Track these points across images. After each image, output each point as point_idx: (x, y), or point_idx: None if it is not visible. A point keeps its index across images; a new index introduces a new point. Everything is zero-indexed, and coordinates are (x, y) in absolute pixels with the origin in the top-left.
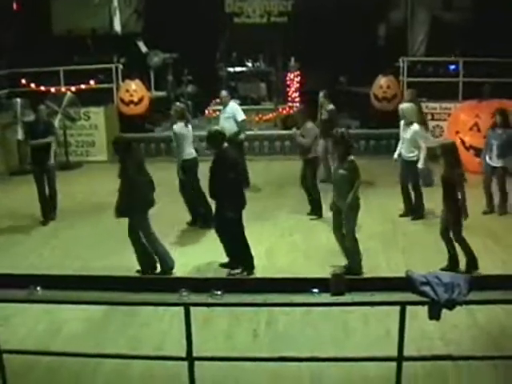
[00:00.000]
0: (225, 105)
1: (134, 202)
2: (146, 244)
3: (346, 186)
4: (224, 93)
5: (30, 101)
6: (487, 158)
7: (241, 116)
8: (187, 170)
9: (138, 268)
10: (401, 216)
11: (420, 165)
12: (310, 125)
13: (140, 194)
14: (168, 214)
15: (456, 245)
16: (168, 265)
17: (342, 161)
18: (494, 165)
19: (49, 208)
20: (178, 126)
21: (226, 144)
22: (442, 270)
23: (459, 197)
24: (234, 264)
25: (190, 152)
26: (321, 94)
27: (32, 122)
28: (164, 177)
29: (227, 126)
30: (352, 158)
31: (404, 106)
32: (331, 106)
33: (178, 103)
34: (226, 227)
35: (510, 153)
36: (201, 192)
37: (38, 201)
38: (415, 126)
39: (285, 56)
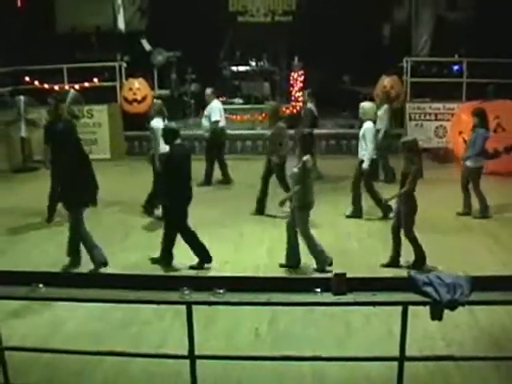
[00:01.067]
0: (208, 103)
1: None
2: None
3: (295, 185)
4: (208, 91)
5: (34, 98)
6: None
7: (214, 116)
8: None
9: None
10: (348, 217)
11: (364, 165)
12: (281, 124)
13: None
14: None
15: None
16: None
17: (298, 160)
18: (466, 165)
19: (56, 207)
20: (156, 122)
21: (178, 141)
22: (384, 266)
23: (412, 191)
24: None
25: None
26: (305, 93)
27: (51, 120)
28: None
29: (204, 124)
30: (306, 158)
31: (365, 104)
32: (309, 105)
33: (156, 100)
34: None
35: (470, 152)
36: None
37: (49, 198)
38: (368, 124)
39: (289, 55)
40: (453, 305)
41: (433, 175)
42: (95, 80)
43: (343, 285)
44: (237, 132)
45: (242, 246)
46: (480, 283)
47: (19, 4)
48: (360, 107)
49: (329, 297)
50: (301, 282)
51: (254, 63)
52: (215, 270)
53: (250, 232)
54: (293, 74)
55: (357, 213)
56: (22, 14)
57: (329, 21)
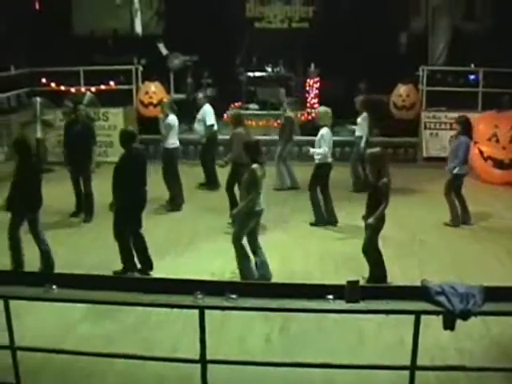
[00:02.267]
0: (200, 107)
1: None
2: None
3: (243, 191)
4: (200, 95)
5: (50, 100)
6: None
7: (209, 120)
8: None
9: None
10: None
11: (311, 150)
12: (238, 130)
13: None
14: (187, 216)
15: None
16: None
17: (248, 167)
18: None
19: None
20: (172, 118)
21: (134, 145)
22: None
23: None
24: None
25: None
26: (286, 101)
27: (69, 121)
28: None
29: (197, 128)
30: (254, 166)
31: (320, 109)
32: (289, 113)
33: (165, 99)
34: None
35: (451, 160)
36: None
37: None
38: (323, 130)
39: (305, 62)
40: (465, 315)
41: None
42: (111, 83)
43: (356, 292)
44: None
45: None
46: (493, 293)
47: (37, 6)
48: (316, 112)
49: (341, 304)
50: (314, 288)
51: (270, 69)
52: (228, 274)
53: (264, 239)
54: (309, 80)
55: (318, 221)
56: (40, 16)
57: (345, 28)
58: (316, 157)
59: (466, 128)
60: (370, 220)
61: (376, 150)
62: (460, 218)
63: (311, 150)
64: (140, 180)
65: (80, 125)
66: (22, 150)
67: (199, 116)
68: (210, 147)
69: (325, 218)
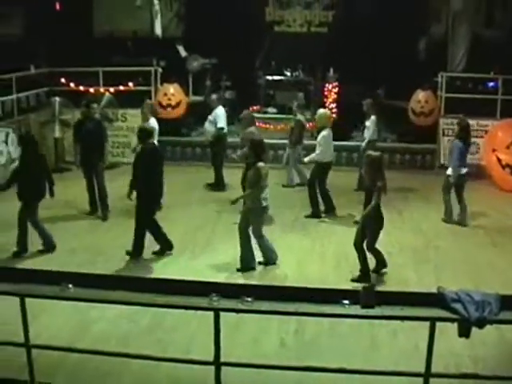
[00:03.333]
0: (213, 108)
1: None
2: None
3: (249, 189)
4: (213, 96)
5: (69, 100)
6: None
7: (220, 123)
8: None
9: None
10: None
11: (305, 159)
12: (251, 129)
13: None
14: (203, 218)
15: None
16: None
17: (253, 166)
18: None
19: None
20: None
21: (151, 141)
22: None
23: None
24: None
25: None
26: (295, 104)
27: (80, 119)
28: (196, 180)
29: (208, 128)
30: (260, 165)
31: (319, 111)
32: (299, 117)
33: (148, 100)
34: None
35: (449, 162)
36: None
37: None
38: (324, 131)
39: (324, 66)
40: (481, 323)
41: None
42: (130, 84)
43: (371, 298)
44: (270, 141)
45: None
46: (509, 302)
47: (57, 7)
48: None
49: (356, 309)
50: (329, 293)
51: (288, 73)
52: (243, 277)
53: (281, 242)
54: (327, 85)
55: (313, 213)
56: (61, 16)
57: (365, 33)
58: (316, 158)
59: (462, 132)
60: (358, 218)
61: (374, 153)
62: (452, 216)
63: (306, 159)
64: (156, 174)
65: (91, 122)
66: (26, 143)
67: (211, 117)
68: (220, 150)
69: (320, 212)
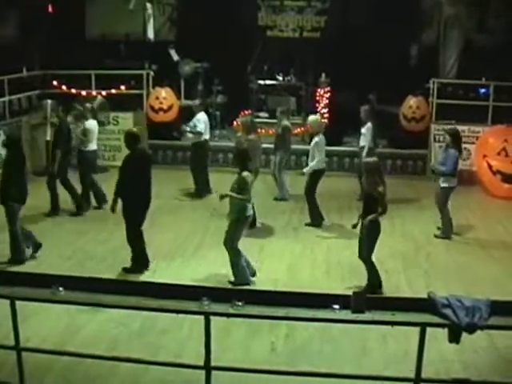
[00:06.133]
0: (195, 114)
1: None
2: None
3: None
4: (196, 102)
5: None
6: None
7: (199, 128)
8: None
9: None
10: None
11: (305, 170)
12: (251, 137)
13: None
14: (189, 220)
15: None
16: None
17: (238, 174)
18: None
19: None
20: (89, 123)
21: (139, 145)
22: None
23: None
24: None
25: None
26: (279, 110)
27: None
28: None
29: (188, 133)
30: (245, 174)
31: (311, 117)
32: (285, 123)
33: (87, 104)
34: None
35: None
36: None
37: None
38: (317, 137)
39: (316, 71)
40: (471, 328)
41: (454, 198)
42: (122, 87)
43: (362, 303)
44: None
45: (262, 259)
46: (499, 307)
47: (50, 9)
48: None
49: (347, 314)
50: (320, 298)
51: (280, 78)
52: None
53: (271, 247)
54: (319, 90)
55: (314, 221)
56: (53, 19)
57: (357, 39)
58: (315, 167)
59: (455, 140)
60: (365, 221)
61: (371, 159)
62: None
63: (305, 170)
64: (144, 180)
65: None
66: (11, 145)
67: (191, 123)
68: (198, 155)
69: (319, 219)
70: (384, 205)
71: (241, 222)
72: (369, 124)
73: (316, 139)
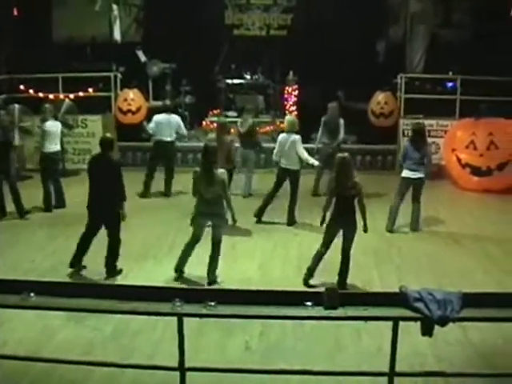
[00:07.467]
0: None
1: None
2: None
3: (217, 196)
4: (167, 101)
5: (28, 107)
6: (407, 170)
7: (150, 128)
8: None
9: None
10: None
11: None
12: (228, 138)
13: None
14: (160, 222)
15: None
16: None
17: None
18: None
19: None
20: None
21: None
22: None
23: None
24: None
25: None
26: (246, 107)
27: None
28: (156, 185)
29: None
30: (222, 171)
31: (287, 117)
32: (250, 121)
33: (47, 105)
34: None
35: (420, 167)
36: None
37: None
38: (293, 137)
39: (283, 69)
40: (443, 321)
41: (424, 192)
42: (90, 90)
43: (335, 299)
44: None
45: (234, 258)
46: (471, 299)
47: (15, 12)
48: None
49: (320, 311)
50: (292, 295)
51: (248, 76)
52: (206, 283)
53: (243, 245)
54: (287, 88)
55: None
56: (19, 22)
57: (324, 36)
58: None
59: (418, 135)
60: (365, 226)
61: (344, 154)
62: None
63: (311, 161)
64: (105, 185)
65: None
66: None
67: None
68: (152, 155)
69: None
70: (362, 198)
71: (222, 225)
72: (341, 120)
73: (296, 137)
